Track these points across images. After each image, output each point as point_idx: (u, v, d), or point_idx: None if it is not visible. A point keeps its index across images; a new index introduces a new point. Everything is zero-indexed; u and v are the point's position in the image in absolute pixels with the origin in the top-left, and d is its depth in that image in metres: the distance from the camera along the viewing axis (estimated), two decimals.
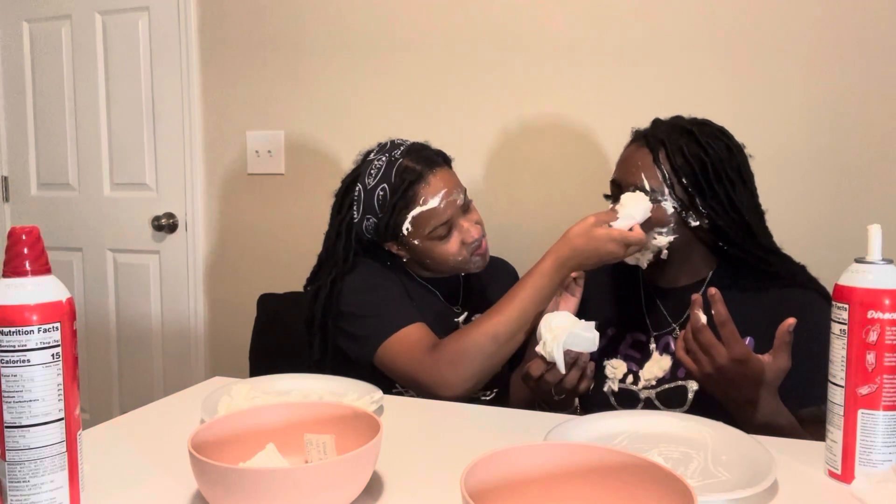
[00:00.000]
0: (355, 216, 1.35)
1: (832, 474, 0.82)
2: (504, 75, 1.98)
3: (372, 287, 1.33)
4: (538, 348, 1.09)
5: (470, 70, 2.01)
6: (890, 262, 0.79)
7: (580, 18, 1.90)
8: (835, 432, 0.81)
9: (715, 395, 1.05)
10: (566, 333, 1.05)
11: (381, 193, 1.31)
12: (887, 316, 0.77)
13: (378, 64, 2.11)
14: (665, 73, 1.83)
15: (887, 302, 0.77)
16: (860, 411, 0.79)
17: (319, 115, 2.20)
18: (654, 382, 1.23)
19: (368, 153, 1.38)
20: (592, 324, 1.08)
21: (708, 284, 1.25)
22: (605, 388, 1.27)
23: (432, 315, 1.34)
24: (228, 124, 2.33)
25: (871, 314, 0.78)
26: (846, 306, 0.79)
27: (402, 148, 1.35)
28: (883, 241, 0.80)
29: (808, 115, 1.74)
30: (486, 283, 1.49)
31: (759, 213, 1.25)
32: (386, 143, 1.37)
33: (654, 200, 1.19)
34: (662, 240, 1.20)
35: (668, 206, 1.19)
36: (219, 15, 2.30)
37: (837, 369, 0.81)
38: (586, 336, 1.06)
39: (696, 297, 1.01)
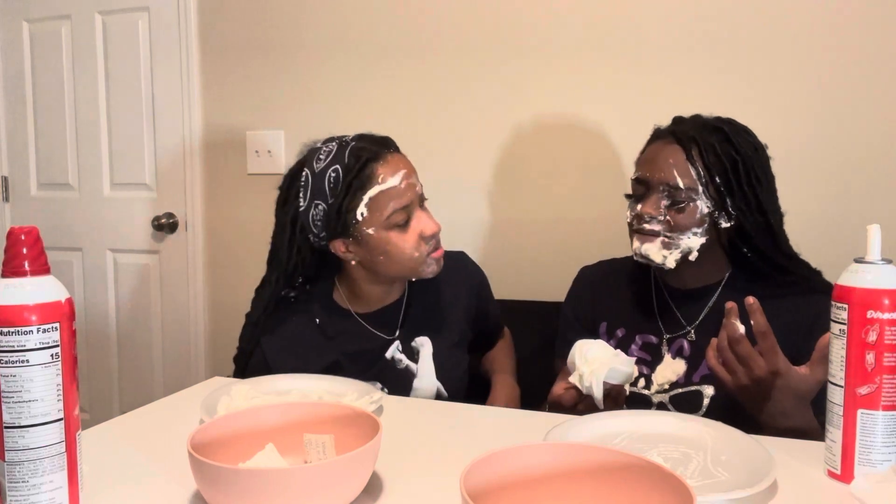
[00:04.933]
0: (301, 204, 1.23)
1: (832, 474, 0.82)
2: (509, 74, 1.98)
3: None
4: (573, 379, 1.06)
5: (473, 69, 2.01)
6: (889, 262, 0.79)
7: (588, 16, 1.89)
8: (834, 432, 0.81)
9: (746, 405, 1.02)
10: (606, 368, 1.03)
11: (332, 175, 1.20)
12: (886, 316, 0.77)
13: (379, 63, 2.11)
14: (672, 72, 1.83)
15: (886, 302, 0.77)
16: (859, 411, 0.79)
17: (319, 115, 2.20)
18: (666, 387, 1.21)
19: (313, 144, 1.29)
20: (632, 359, 1.06)
21: (723, 288, 1.23)
22: None
23: (355, 350, 1.29)
24: (228, 124, 2.33)
25: (871, 314, 0.78)
26: (845, 306, 0.79)
27: (351, 136, 1.27)
28: (883, 241, 0.80)
29: (807, 116, 1.74)
30: (433, 296, 1.38)
31: (780, 216, 1.22)
32: (331, 136, 1.29)
33: (689, 199, 1.15)
34: (696, 240, 1.17)
35: (702, 205, 1.16)
36: (219, 15, 2.30)
37: (837, 369, 0.81)
38: (624, 371, 1.04)
39: (732, 305, 0.98)
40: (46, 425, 0.68)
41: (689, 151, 1.16)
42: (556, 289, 1.55)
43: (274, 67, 2.24)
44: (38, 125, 2.59)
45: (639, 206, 1.20)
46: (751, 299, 0.96)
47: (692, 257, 1.18)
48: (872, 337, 0.78)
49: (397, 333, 1.33)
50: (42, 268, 0.69)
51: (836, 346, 0.81)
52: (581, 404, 1.06)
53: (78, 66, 2.50)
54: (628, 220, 1.23)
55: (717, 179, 1.15)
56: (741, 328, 0.97)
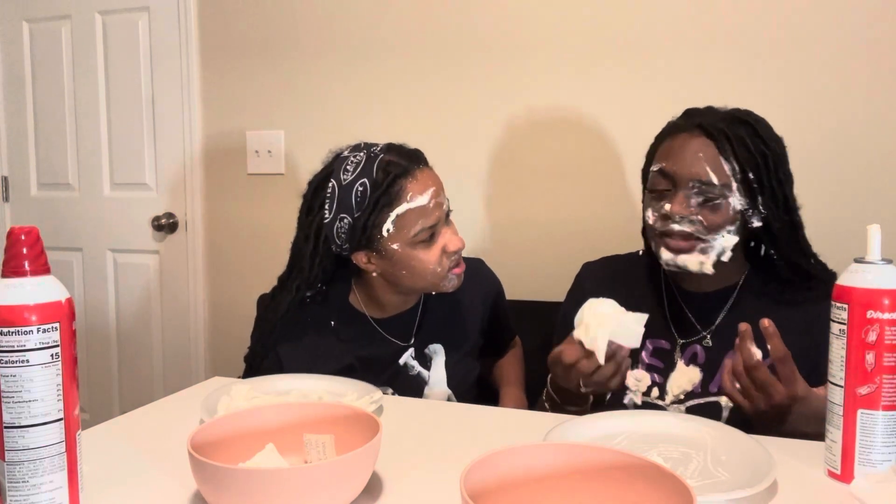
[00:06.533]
0: (326, 216, 1.22)
1: (832, 474, 0.82)
2: (509, 73, 1.97)
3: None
4: (577, 333, 1.00)
5: (473, 68, 2.01)
6: (889, 262, 0.79)
7: (588, 12, 1.89)
8: (834, 432, 0.81)
9: (763, 425, 0.97)
10: (615, 322, 0.98)
11: (360, 189, 1.17)
12: (886, 316, 0.77)
13: (379, 63, 2.11)
14: (673, 69, 1.82)
15: (886, 302, 0.77)
16: (859, 411, 0.79)
17: (319, 115, 2.20)
18: (682, 396, 1.14)
19: (340, 152, 1.26)
20: (644, 317, 0.99)
21: (740, 290, 1.17)
22: (627, 401, 1.17)
23: (368, 355, 1.28)
24: (228, 124, 2.33)
25: (871, 314, 0.77)
26: (845, 306, 0.79)
27: (380, 146, 1.23)
28: (883, 241, 0.80)
29: (808, 116, 1.74)
30: (449, 305, 1.37)
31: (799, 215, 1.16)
32: (359, 143, 1.26)
33: (722, 196, 1.08)
34: (730, 239, 1.09)
35: (735, 202, 1.08)
36: (219, 15, 2.30)
37: (837, 369, 0.81)
38: (634, 329, 0.98)
39: (745, 327, 0.93)
40: (46, 425, 0.68)
41: (721, 145, 1.08)
42: (556, 289, 1.55)
43: (274, 67, 2.24)
44: (38, 125, 2.59)
45: (667, 206, 1.10)
46: (766, 322, 0.92)
47: (725, 258, 1.10)
48: (872, 337, 0.78)
49: (412, 340, 1.32)
50: (42, 268, 0.69)
51: (836, 346, 0.81)
52: (583, 362, 0.99)
53: (78, 66, 2.50)
54: (650, 221, 1.14)
55: (751, 175, 1.08)
56: (757, 354, 0.92)
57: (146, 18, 2.40)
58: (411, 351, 1.31)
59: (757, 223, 1.10)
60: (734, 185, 1.08)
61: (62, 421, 0.69)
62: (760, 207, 1.09)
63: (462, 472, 0.62)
